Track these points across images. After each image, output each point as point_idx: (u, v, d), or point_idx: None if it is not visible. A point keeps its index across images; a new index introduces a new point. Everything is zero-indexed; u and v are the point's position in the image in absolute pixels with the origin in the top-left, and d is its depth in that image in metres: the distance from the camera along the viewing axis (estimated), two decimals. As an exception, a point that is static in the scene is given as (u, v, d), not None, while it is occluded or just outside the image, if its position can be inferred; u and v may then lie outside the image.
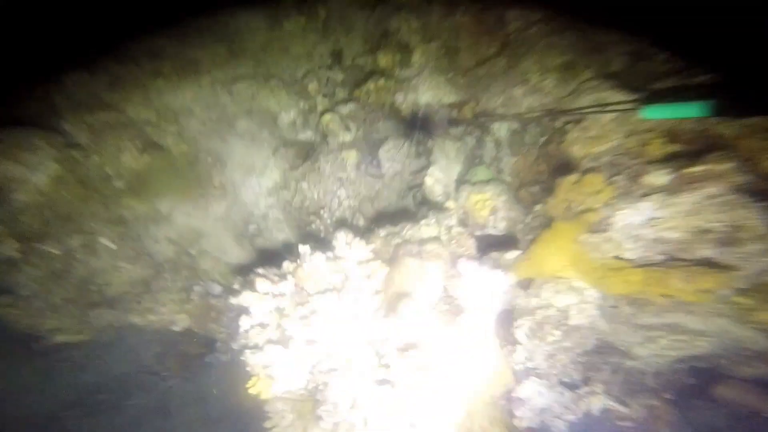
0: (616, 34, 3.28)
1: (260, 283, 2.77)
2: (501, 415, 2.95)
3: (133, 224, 3.38)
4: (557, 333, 3.11)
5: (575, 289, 3.00)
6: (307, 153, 4.20)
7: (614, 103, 2.92)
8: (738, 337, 2.77)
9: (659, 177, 2.44)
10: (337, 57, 4.81)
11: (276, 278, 2.82)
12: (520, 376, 3.22)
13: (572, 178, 2.76)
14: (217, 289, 3.82)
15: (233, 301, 2.80)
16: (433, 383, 2.69)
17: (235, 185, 4.08)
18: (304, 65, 4.59)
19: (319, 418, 2.55)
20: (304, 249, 2.87)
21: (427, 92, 3.88)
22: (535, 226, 3.47)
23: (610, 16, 3.24)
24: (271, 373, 2.50)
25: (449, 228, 3.29)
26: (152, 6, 3.64)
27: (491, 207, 3.83)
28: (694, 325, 2.81)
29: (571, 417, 3.16)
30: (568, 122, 3.22)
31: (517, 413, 3.07)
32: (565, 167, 3.21)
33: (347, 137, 4.00)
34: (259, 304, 2.71)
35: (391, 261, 3.17)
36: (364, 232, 3.58)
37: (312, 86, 4.31)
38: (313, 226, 3.91)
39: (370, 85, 3.90)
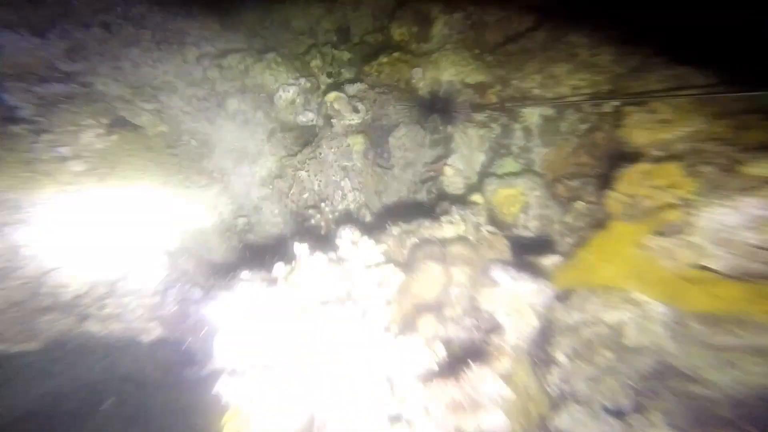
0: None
1: (246, 290, 2.19)
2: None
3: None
4: (608, 354, 2.56)
5: (634, 303, 2.44)
6: (307, 138, 3.63)
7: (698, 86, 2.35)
8: None
9: (766, 167, 1.87)
10: (344, 34, 4.26)
11: (265, 284, 2.24)
12: (555, 401, 2.66)
13: (640, 168, 2.19)
14: (197, 293, 3.24)
15: (212, 310, 2.23)
16: (458, 418, 2.12)
17: (223, 173, 3.51)
18: (306, 41, 4.04)
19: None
20: (300, 249, 2.30)
21: (449, 68, 3.32)
22: (579, 226, 2.92)
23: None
24: (253, 408, 1.92)
25: (477, 226, 2.72)
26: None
27: (523, 203, 3.27)
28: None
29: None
30: (625, 104, 2.66)
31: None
32: (621, 157, 2.66)
33: (354, 120, 3.44)
34: (243, 317, 2.14)
35: (408, 265, 2.60)
36: (372, 230, 3.01)
37: (315, 63, 3.75)
38: (313, 221, 3.34)
39: (383, 58, 3.34)
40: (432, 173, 3.81)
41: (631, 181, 2.19)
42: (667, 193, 2.12)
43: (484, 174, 3.56)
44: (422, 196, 3.77)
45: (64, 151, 2.62)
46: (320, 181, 3.41)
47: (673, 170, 2.11)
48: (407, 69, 3.39)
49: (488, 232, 2.70)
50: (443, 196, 3.44)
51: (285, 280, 2.24)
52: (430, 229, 2.77)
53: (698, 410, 2.75)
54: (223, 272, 3.43)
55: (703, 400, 2.77)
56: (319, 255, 2.33)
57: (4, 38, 2.74)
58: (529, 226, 3.28)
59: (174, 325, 3.12)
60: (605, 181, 2.73)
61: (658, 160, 2.23)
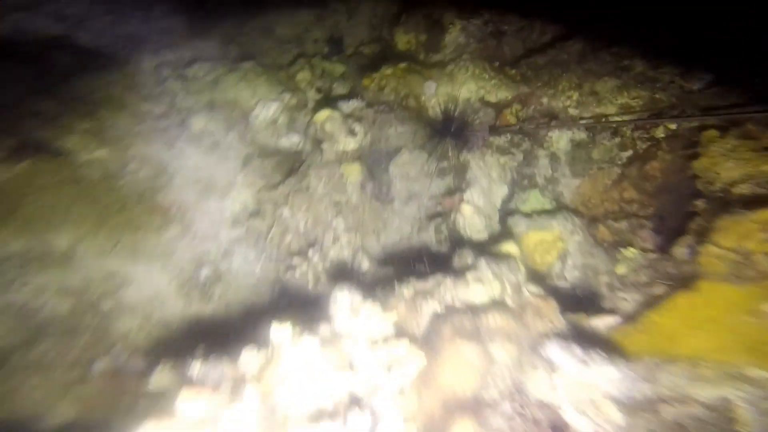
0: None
1: (194, 397, 1.46)
2: None
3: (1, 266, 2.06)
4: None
5: (746, 380, 1.80)
6: (291, 166, 2.96)
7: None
8: None
9: None
10: (336, 44, 3.66)
11: (226, 385, 1.51)
12: None
13: (761, 216, 1.58)
14: (137, 363, 2.46)
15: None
16: None
17: (184, 210, 2.78)
18: (292, 50, 3.41)
19: None
20: (279, 333, 1.59)
21: (469, 83, 2.73)
22: (640, 281, 2.29)
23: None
24: None
25: (517, 287, 2.06)
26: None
27: (560, 250, 2.65)
28: None
29: None
30: (704, 127, 2.09)
31: None
32: (695, 195, 2.07)
33: (350, 145, 2.79)
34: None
35: (428, 342, 1.91)
36: (374, 286, 2.33)
37: (302, 75, 3.11)
38: (298, 272, 2.64)
39: (386, 70, 2.73)
40: (440, 208, 3.17)
41: (744, 232, 1.58)
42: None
43: (508, 211, 2.94)
44: (430, 235, 3.11)
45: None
46: (307, 220, 2.72)
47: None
48: (417, 82, 2.78)
49: (532, 294, 2.04)
50: (460, 241, 2.79)
51: (257, 381, 1.52)
52: (452, 290, 2.09)
53: None
54: (176, 337, 2.67)
55: None
56: (306, 339, 1.62)
57: None
58: (566, 277, 2.65)
59: (97, 404, 2.33)
60: (675, 226, 2.14)
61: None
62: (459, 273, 2.21)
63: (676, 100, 2.26)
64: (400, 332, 1.96)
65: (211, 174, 2.87)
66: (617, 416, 1.69)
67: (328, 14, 3.74)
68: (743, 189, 1.82)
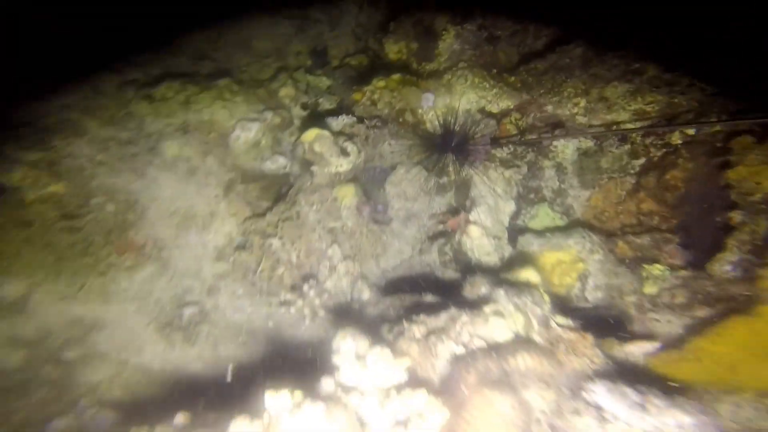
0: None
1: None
2: None
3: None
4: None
5: None
6: (278, 191, 2.69)
7: None
8: None
9: None
10: (320, 56, 3.43)
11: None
12: None
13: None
14: (106, 420, 2.13)
15: None
16: None
17: (160, 245, 2.48)
18: (273, 64, 3.17)
19: None
20: (275, 401, 1.31)
21: (468, 93, 2.52)
22: (678, 303, 2.07)
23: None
24: None
25: (544, 319, 1.82)
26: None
27: (580, 271, 2.43)
28: None
29: None
30: (732, 134, 1.90)
31: None
32: (728, 207, 1.88)
33: (343, 166, 2.54)
34: None
35: (448, 389, 1.65)
36: (380, 323, 2.08)
37: (285, 91, 2.86)
38: (293, 310, 2.35)
39: (378, 82, 2.50)
40: (442, 227, 2.94)
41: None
42: None
43: (518, 229, 2.72)
44: (433, 258, 2.87)
45: None
46: (299, 250, 2.44)
47: None
48: (414, 95, 2.55)
49: (561, 327, 1.80)
50: (468, 265, 2.55)
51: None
52: (470, 327, 1.83)
53: None
54: (156, 389, 2.34)
55: None
56: (308, 407, 1.34)
57: None
58: (588, 298, 2.43)
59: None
60: (705, 240, 1.95)
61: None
62: (474, 305, 1.96)
63: (697, 104, 2.08)
64: (415, 380, 1.69)
65: (190, 204, 2.58)
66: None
67: (310, 25, 3.51)
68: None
